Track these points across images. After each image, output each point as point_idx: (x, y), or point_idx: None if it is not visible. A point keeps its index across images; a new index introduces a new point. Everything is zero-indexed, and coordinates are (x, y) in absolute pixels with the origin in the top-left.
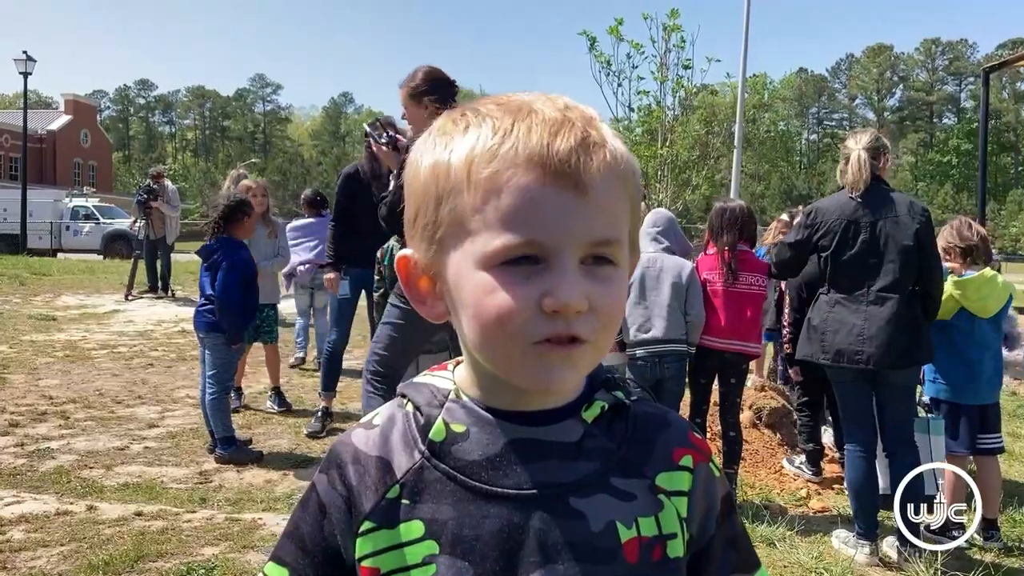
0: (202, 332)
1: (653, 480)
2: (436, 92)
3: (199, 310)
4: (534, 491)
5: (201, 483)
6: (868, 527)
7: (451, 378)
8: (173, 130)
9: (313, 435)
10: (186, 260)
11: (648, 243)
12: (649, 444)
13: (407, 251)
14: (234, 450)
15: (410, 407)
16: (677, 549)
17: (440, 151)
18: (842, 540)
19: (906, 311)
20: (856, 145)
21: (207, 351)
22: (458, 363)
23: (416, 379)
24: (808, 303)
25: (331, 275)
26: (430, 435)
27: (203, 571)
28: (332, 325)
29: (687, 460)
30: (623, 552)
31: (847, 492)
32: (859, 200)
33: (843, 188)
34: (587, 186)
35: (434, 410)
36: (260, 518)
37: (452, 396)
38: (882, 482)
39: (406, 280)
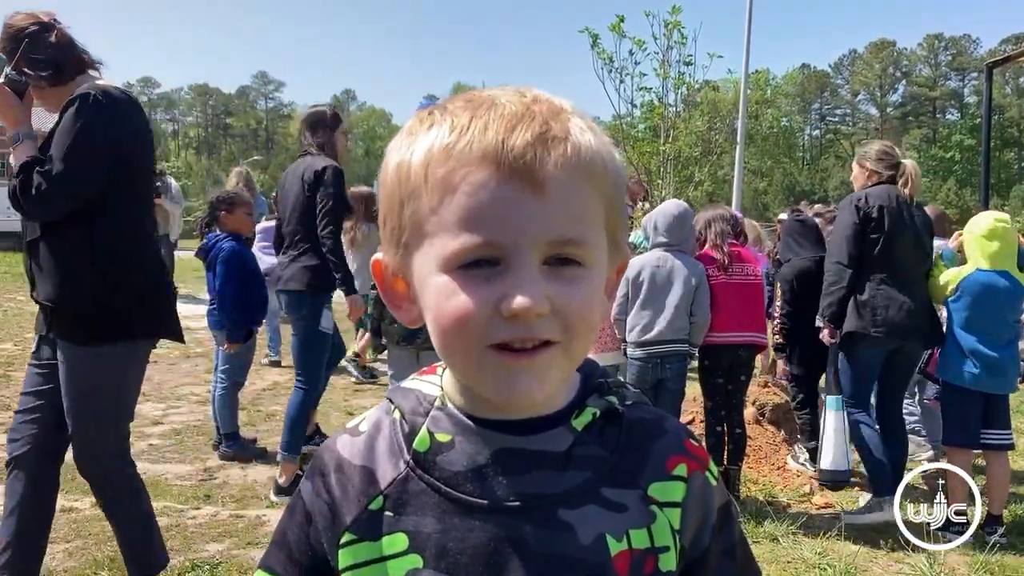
0: (213, 330)
1: (646, 490)
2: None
3: (208, 309)
4: (520, 503)
5: (205, 480)
6: (893, 480)
7: (439, 383)
8: (176, 128)
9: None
10: (189, 257)
11: (656, 240)
12: (643, 452)
13: (379, 255)
14: (238, 447)
15: (397, 414)
16: (669, 563)
17: (404, 151)
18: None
19: (928, 295)
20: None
21: (220, 347)
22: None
23: (404, 383)
24: (802, 297)
25: (356, 298)
26: (414, 445)
27: (207, 567)
28: (309, 370)
29: (681, 469)
30: (613, 566)
31: (862, 454)
32: (902, 196)
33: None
34: (544, 183)
35: (418, 418)
36: (264, 515)
37: (438, 403)
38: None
39: (382, 284)
